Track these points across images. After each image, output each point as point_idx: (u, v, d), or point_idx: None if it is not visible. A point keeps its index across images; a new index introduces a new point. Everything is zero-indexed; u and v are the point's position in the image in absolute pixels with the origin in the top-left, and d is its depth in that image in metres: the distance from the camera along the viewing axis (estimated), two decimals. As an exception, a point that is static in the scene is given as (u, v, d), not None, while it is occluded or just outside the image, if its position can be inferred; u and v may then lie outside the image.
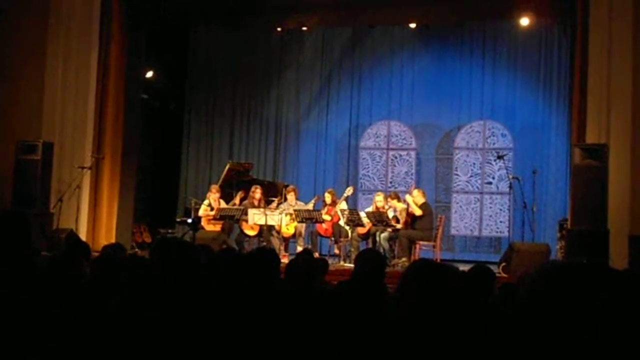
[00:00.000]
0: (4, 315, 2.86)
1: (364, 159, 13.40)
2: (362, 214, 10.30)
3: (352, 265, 8.10)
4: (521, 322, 1.33)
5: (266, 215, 10.09)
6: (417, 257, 9.70)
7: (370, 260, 4.08)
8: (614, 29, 9.08)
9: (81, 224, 10.19)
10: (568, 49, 11.32)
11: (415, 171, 13.12)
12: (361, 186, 13.30)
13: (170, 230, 12.12)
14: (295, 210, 10.32)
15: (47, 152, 9.68)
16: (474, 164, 12.91)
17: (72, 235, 9.31)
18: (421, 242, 10.03)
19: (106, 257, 3.84)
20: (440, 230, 10.34)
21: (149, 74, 12.83)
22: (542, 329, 1.28)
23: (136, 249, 10.86)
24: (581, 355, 1.24)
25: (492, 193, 12.77)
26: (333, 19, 12.04)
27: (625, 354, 1.23)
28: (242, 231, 10.56)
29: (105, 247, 4.75)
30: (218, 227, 10.48)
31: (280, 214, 10.30)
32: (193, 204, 10.79)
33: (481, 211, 12.76)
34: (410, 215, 10.13)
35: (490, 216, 12.73)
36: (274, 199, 10.99)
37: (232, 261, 3.66)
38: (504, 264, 9.04)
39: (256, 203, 10.56)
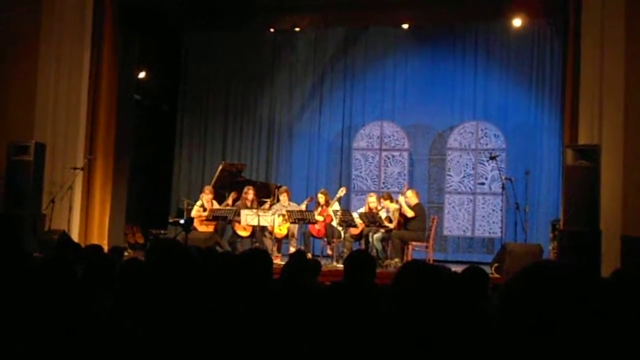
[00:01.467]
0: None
1: (356, 159, 13.40)
2: (355, 215, 10.29)
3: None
4: (505, 321, 1.34)
5: (259, 216, 10.08)
6: (409, 258, 9.71)
7: (360, 261, 4.08)
8: (606, 30, 9.09)
9: (73, 225, 10.15)
10: (560, 49, 11.36)
11: (408, 172, 13.13)
12: (354, 187, 13.30)
13: (162, 231, 12.10)
14: (287, 211, 10.31)
15: (39, 153, 9.65)
16: (467, 164, 12.93)
17: (65, 236, 9.28)
18: (414, 243, 10.03)
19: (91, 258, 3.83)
20: (433, 231, 10.35)
21: (142, 75, 12.81)
22: (524, 328, 1.29)
23: (128, 250, 10.83)
24: (564, 355, 1.25)
25: (485, 194, 12.79)
26: (326, 20, 12.05)
27: (610, 353, 1.24)
28: (234, 232, 10.55)
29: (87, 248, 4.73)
30: (211, 228, 10.47)
31: (273, 214, 10.29)
32: (186, 205, 10.76)
33: (474, 212, 12.77)
34: (403, 216, 10.13)
35: (483, 217, 12.74)
36: (266, 199, 10.98)
37: (225, 262, 3.65)
38: (496, 264, 9.05)
39: (249, 204, 10.55)
